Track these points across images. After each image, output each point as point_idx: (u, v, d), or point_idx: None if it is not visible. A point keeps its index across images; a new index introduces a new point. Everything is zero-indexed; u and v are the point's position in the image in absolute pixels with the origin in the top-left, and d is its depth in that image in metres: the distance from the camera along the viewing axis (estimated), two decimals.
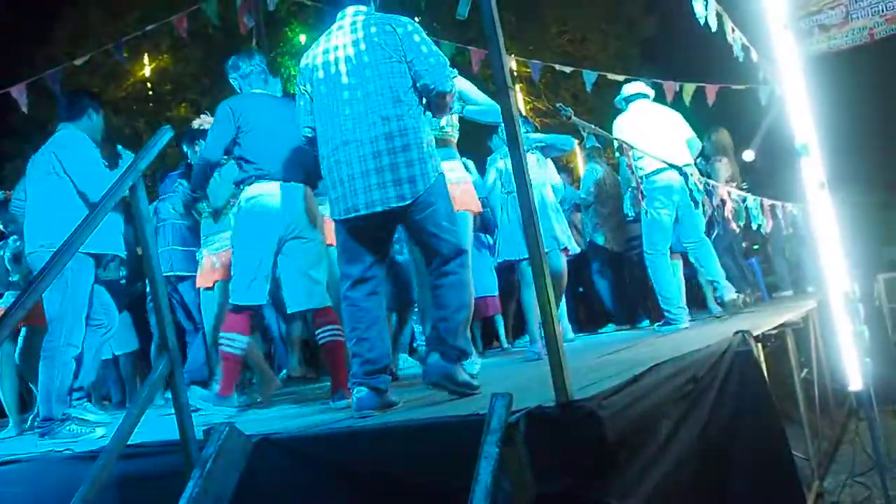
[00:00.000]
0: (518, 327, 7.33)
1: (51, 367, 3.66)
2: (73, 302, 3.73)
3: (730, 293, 5.44)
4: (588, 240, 7.05)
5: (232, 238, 3.89)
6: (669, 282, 5.25)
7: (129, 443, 2.36)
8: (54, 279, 3.48)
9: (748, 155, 9.38)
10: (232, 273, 3.72)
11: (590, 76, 8.17)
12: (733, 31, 5.60)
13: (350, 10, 3.05)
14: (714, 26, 4.98)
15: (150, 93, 11.88)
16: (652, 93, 5.78)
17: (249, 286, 3.62)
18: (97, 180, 3.75)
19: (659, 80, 7.84)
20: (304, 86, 3.10)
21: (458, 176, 3.93)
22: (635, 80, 5.86)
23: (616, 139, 5.09)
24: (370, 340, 2.91)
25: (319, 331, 3.61)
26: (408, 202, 2.86)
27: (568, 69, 8.35)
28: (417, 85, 2.93)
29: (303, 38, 12.05)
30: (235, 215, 3.82)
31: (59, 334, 3.70)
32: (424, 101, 2.99)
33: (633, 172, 5.00)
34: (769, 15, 4.89)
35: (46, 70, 7.31)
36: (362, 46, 2.93)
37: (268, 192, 3.61)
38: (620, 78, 8.52)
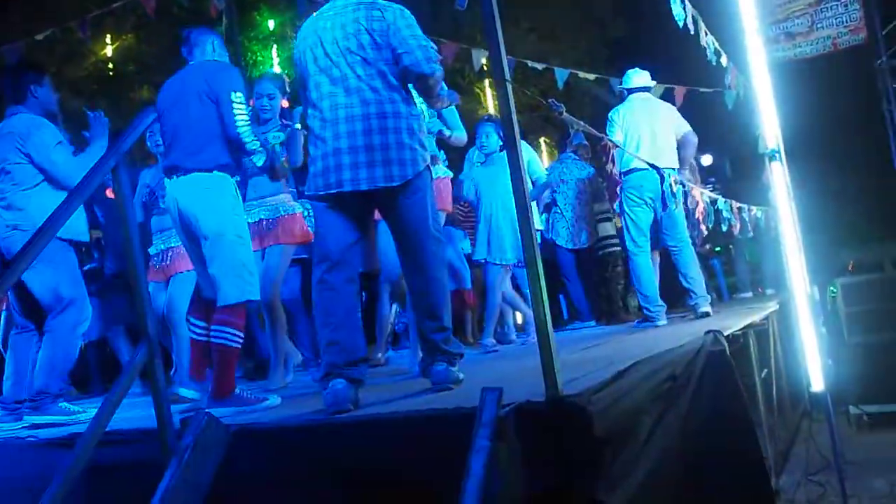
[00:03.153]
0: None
1: (57, 342, 3.63)
2: (78, 283, 3.74)
3: (704, 305, 5.42)
4: (550, 239, 7.03)
5: None
6: (650, 280, 5.35)
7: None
8: (50, 262, 3.52)
9: (706, 159, 9.57)
10: None
11: (561, 73, 8.18)
12: (706, 34, 5.67)
13: None
14: (692, 29, 5.05)
15: (112, 73, 11.56)
16: (654, 85, 5.81)
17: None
18: (68, 166, 3.70)
19: None
20: (298, 74, 3.04)
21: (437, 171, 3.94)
22: (641, 69, 5.86)
23: (604, 136, 5.13)
24: (347, 328, 2.83)
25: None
26: (395, 184, 2.82)
27: (540, 66, 8.35)
28: (398, 68, 2.90)
29: (271, 23, 11.89)
30: None
31: (72, 312, 3.67)
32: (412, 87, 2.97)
33: (613, 168, 5.06)
34: (744, 20, 4.98)
35: (2, 45, 7.04)
36: (352, 30, 2.90)
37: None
38: (591, 76, 8.59)
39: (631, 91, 5.67)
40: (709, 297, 5.56)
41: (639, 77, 5.71)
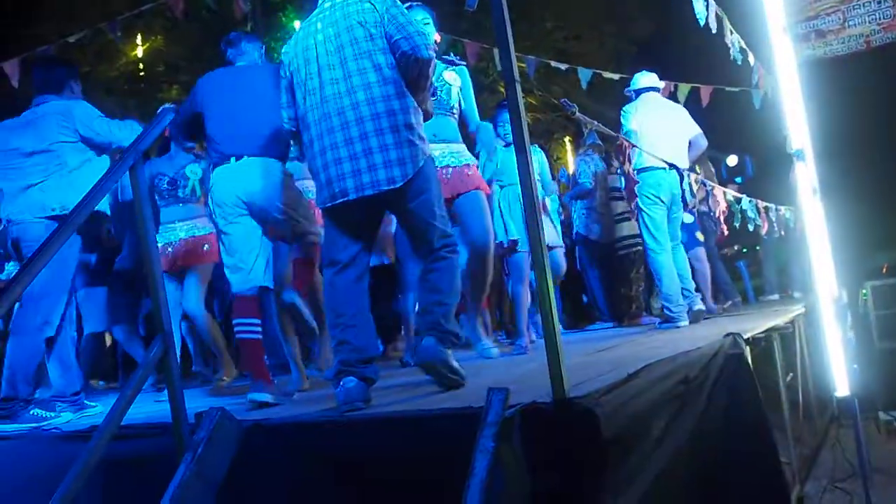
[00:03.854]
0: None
1: (22, 345, 3.54)
2: (61, 278, 3.60)
3: (698, 303, 5.50)
4: (576, 232, 7.04)
5: None
6: (672, 279, 5.31)
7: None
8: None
9: (731, 159, 9.46)
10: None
11: (585, 74, 8.14)
12: (731, 32, 5.60)
13: None
14: (714, 27, 4.98)
15: (142, 74, 11.76)
16: (662, 85, 5.79)
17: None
18: (110, 129, 3.80)
19: None
20: (285, 76, 3.04)
21: (466, 157, 3.92)
22: (648, 72, 5.82)
23: (620, 136, 5.09)
24: (358, 328, 2.82)
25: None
26: (398, 185, 2.79)
27: (563, 66, 8.33)
28: (396, 56, 2.85)
29: (297, 23, 12.01)
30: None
31: (38, 312, 3.55)
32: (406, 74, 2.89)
33: (629, 167, 5.02)
34: (769, 18, 4.89)
35: (34, 46, 7.18)
36: (343, 26, 2.87)
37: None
38: (616, 77, 8.53)
39: (639, 92, 5.68)
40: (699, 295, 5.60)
41: (646, 78, 5.73)
